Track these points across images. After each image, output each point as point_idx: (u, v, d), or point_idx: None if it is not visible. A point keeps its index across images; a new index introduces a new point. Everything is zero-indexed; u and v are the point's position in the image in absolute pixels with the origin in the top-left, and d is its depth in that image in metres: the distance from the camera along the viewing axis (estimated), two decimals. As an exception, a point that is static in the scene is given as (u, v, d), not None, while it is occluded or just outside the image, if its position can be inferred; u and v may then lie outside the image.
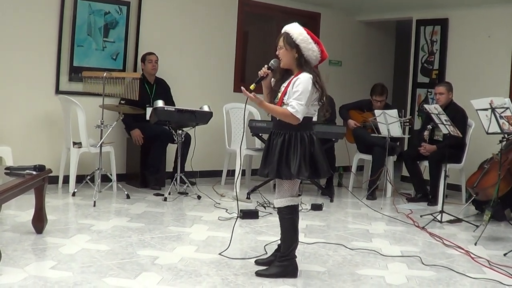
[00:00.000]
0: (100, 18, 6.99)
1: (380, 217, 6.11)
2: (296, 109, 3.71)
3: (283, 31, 3.91)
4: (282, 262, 3.91)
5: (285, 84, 3.85)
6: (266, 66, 3.92)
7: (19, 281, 3.51)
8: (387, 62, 10.24)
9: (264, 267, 3.98)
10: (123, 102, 6.63)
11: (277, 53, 3.90)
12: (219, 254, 4.31)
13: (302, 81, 3.75)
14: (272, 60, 3.94)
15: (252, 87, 3.82)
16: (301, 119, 3.73)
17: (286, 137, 3.81)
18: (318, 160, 3.83)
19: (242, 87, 3.84)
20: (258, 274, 3.90)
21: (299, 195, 4.11)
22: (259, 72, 3.93)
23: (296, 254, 3.97)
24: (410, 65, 8.87)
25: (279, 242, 4.11)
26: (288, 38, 3.83)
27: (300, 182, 4.05)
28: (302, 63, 3.83)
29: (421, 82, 8.68)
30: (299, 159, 3.75)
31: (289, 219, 3.90)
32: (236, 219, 4.62)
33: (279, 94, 3.87)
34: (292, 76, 3.83)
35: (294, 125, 3.78)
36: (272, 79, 3.99)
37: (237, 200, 4.57)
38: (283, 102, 3.81)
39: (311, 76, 3.78)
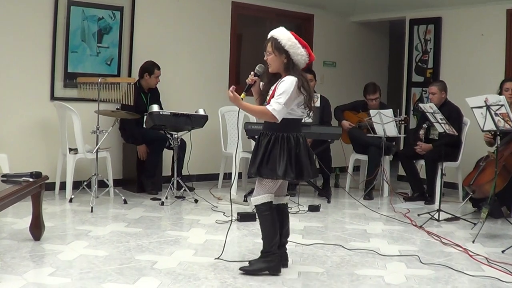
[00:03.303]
0: (93, 23, 6.98)
1: (378, 217, 6.11)
2: (274, 108, 3.77)
3: (269, 36, 3.96)
4: (266, 257, 3.98)
5: (273, 88, 3.91)
6: (252, 73, 3.99)
7: (18, 288, 3.50)
8: (381, 62, 10.26)
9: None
10: (118, 108, 6.62)
11: (265, 58, 3.95)
12: (215, 259, 4.29)
13: (285, 83, 3.81)
14: (257, 66, 4.01)
15: (242, 96, 3.90)
16: (279, 119, 3.79)
17: (272, 138, 3.88)
18: (303, 162, 3.89)
19: (232, 87, 3.90)
20: (242, 269, 3.98)
21: (287, 195, 4.18)
22: (247, 80, 4.01)
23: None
24: (404, 64, 8.90)
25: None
26: (277, 44, 3.88)
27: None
28: (290, 68, 3.88)
29: (416, 81, 8.70)
30: (285, 161, 3.82)
31: (267, 215, 3.96)
32: (230, 223, 4.59)
33: (268, 98, 3.93)
34: (280, 79, 3.89)
35: (280, 127, 3.85)
36: (261, 82, 4.05)
37: (231, 203, 4.55)
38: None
39: (296, 79, 3.83)
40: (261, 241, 4.05)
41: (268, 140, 3.88)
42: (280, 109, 3.77)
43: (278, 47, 3.86)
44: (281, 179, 3.92)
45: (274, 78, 3.96)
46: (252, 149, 4.11)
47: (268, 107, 3.79)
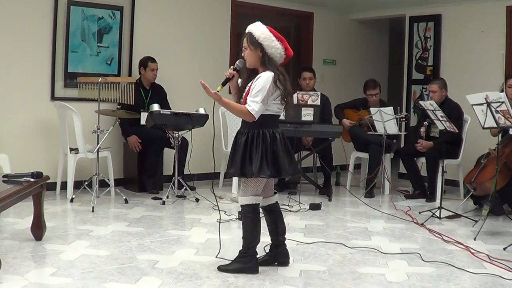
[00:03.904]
0: (93, 23, 6.98)
1: (379, 215, 6.11)
2: (253, 108, 3.78)
3: (246, 31, 3.97)
4: (242, 258, 4.00)
5: (250, 84, 3.92)
6: (232, 67, 4.00)
7: (20, 288, 3.51)
8: (381, 60, 10.25)
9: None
10: (119, 107, 6.62)
11: (242, 54, 3.96)
12: (216, 257, 4.30)
13: (261, 79, 3.81)
14: (237, 61, 4.02)
15: (219, 88, 3.91)
16: (256, 117, 3.80)
17: (249, 135, 3.89)
18: (280, 159, 3.86)
19: (201, 80, 3.85)
20: (220, 268, 4.01)
21: (275, 192, 4.17)
22: (225, 73, 4.01)
23: (257, 251, 4.05)
24: (404, 62, 8.88)
25: (270, 242, 4.18)
26: (251, 38, 3.90)
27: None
28: (266, 62, 3.87)
29: (416, 79, 8.70)
30: (260, 158, 3.82)
31: (250, 217, 3.98)
32: (219, 223, 4.55)
33: (244, 94, 3.94)
34: (257, 76, 3.89)
35: (257, 124, 3.85)
36: (240, 79, 4.06)
37: (217, 201, 4.53)
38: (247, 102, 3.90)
39: (272, 74, 3.82)
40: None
41: (246, 138, 3.89)
42: (258, 108, 3.78)
43: (253, 41, 3.88)
44: (256, 177, 3.87)
45: (253, 74, 3.95)
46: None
47: (247, 106, 3.79)
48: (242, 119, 3.98)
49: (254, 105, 3.78)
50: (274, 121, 3.95)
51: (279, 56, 3.90)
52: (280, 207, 6.06)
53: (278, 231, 4.13)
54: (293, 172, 4.08)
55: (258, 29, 3.90)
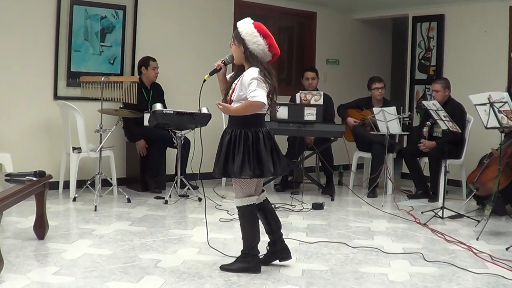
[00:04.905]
0: (96, 22, 6.99)
1: (382, 215, 6.11)
2: (253, 95, 3.74)
3: None
4: (244, 258, 4.00)
5: (236, 82, 3.93)
6: (221, 59, 4.02)
7: (22, 287, 3.51)
8: (384, 60, 10.25)
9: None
10: (121, 107, 6.63)
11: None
12: (210, 245, 4.33)
13: (248, 74, 3.80)
14: (227, 55, 4.04)
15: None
16: (263, 101, 3.74)
17: (232, 135, 3.89)
18: (262, 159, 3.83)
19: (217, 103, 3.89)
20: (222, 268, 4.01)
21: (263, 190, 4.13)
22: (215, 64, 4.03)
23: (258, 250, 4.04)
24: (407, 62, 8.88)
25: (268, 240, 4.17)
26: (236, 33, 3.91)
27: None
28: (249, 57, 3.87)
29: (419, 79, 8.69)
30: (242, 158, 3.81)
31: (246, 218, 3.98)
32: (206, 219, 4.53)
33: (230, 92, 3.96)
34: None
35: (241, 123, 3.86)
36: (232, 73, 4.08)
37: (205, 198, 4.53)
38: (232, 100, 3.91)
39: (257, 69, 3.82)
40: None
41: (229, 138, 3.89)
42: (259, 93, 3.73)
43: (237, 36, 3.89)
44: (239, 178, 3.86)
45: (240, 71, 3.96)
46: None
47: (249, 99, 3.75)
48: (229, 119, 3.99)
49: (253, 93, 3.73)
50: (257, 121, 3.90)
51: (261, 52, 3.86)
52: (283, 206, 6.20)
53: (271, 228, 4.11)
54: (281, 172, 4.03)
55: (243, 25, 3.90)
